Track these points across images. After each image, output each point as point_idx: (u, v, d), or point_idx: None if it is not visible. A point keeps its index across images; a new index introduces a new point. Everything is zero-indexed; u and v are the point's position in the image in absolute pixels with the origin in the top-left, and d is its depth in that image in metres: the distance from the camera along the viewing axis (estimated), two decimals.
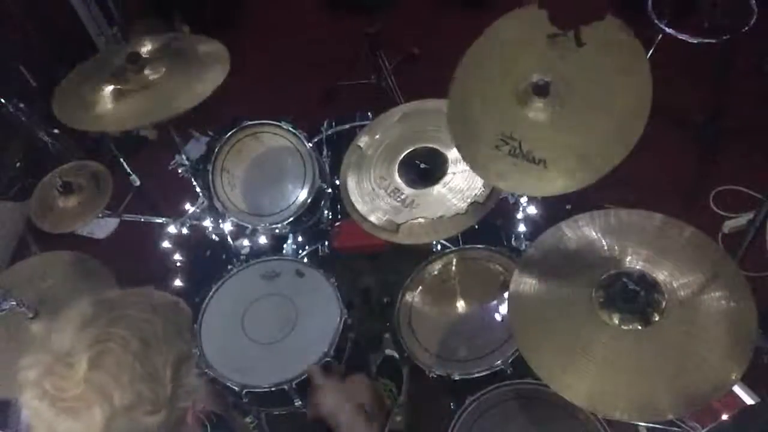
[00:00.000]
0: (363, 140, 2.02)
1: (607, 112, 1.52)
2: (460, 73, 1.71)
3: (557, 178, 1.51)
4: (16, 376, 0.90)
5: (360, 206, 1.91)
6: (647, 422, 1.80)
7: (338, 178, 2.09)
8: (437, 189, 1.88)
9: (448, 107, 1.71)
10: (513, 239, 2.33)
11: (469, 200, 1.81)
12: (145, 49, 2.13)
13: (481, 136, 1.61)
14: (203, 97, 1.95)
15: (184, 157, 2.32)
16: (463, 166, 1.87)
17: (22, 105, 2.94)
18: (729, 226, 2.56)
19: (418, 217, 1.83)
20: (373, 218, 1.87)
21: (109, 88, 2.04)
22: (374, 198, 1.92)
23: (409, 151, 1.97)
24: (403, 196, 1.90)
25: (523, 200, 2.24)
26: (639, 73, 1.51)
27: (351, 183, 1.96)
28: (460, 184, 1.86)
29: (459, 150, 1.67)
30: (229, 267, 2.31)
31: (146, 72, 2.04)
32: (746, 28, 2.99)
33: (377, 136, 2.02)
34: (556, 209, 2.30)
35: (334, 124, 2.47)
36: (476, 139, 1.62)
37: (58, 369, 0.87)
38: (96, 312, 0.92)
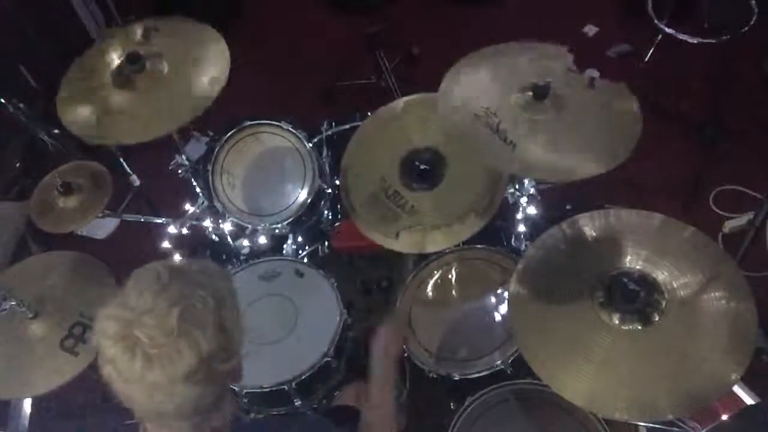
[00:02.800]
0: None
1: (590, 133, 1.65)
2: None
3: (517, 162, 1.65)
4: (94, 329, 0.98)
5: (359, 208, 1.91)
6: (647, 422, 1.80)
7: (338, 178, 2.09)
8: (436, 195, 1.88)
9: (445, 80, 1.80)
10: (513, 239, 2.33)
11: (467, 209, 1.81)
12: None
13: (468, 101, 1.73)
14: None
15: (184, 157, 2.32)
16: (461, 169, 1.87)
17: (22, 105, 2.93)
18: (729, 226, 2.56)
19: (417, 225, 1.83)
20: (373, 221, 1.88)
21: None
22: (374, 201, 1.91)
23: (410, 150, 1.96)
24: (402, 201, 1.89)
25: (523, 200, 2.24)
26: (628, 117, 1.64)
27: (351, 182, 1.96)
28: (459, 192, 1.86)
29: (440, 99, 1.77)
30: (229, 267, 2.31)
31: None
32: (746, 28, 2.99)
33: None
34: (556, 209, 2.30)
35: (334, 124, 2.47)
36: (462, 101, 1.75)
37: (148, 320, 0.94)
38: (169, 276, 1.00)
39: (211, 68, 1.99)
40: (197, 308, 0.97)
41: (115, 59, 2.05)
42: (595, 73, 1.70)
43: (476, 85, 1.78)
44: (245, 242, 2.48)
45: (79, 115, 1.99)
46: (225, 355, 1.01)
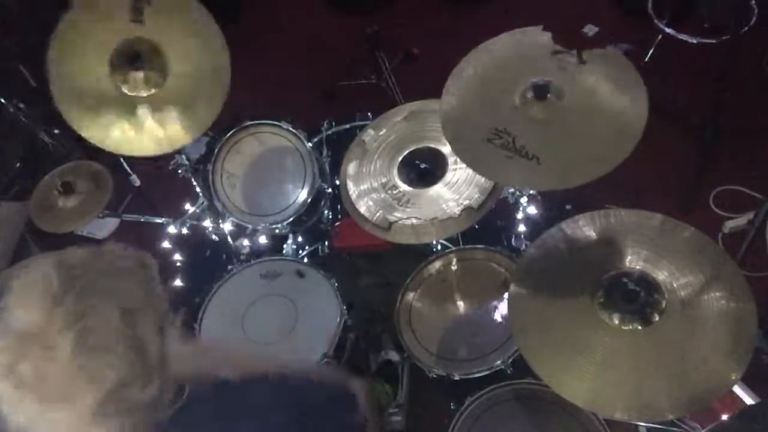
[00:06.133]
0: (368, 134, 2.02)
1: (603, 119, 1.57)
2: (458, 72, 1.73)
3: (549, 175, 1.57)
4: None
5: (356, 200, 1.91)
6: (647, 422, 1.80)
7: (338, 178, 2.09)
8: (433, 190, 1.88)
9: (442, 103, 1.73)
10: (513, 239, 2.33)
11: (463, 205, 1.81)
12: None
13: (475, 130, 1.65)
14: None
15: (184, 157, 2.32)
16: (461, 171, 1.87)
17: (22, 105, 2.93)
18: (729, 226, 2.55)
19: (411, 217, 1.83)
20: (367, 213, 1.88)
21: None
22: (371, 193, 1.91)
23: (411, 149, 1.97)
24: (399, 194, 1.90)
25: (523, 200, 2.24)
26: (634, 89, 1.58)
27: (351, 175, 1.96)
28: (457, 189, 1.86)
29: (451, 146, 1.70)
30: (229, 267, 2.31)
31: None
32: (746, 28, 2.99)
33: (382, 132, 2.02)
34: (556, 209, 2.29)
35: (334, 124, 2.47)
36: (470, 133, 1.66)
37: (35, 352, 0.76)
38: (63, 284, 0.80)
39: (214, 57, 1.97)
40: (97, 328, 0.78)
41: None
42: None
43: (473, 108, 1.72)
44: (245, 242, 2.48)
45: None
46: (142, 380, 0.81)
